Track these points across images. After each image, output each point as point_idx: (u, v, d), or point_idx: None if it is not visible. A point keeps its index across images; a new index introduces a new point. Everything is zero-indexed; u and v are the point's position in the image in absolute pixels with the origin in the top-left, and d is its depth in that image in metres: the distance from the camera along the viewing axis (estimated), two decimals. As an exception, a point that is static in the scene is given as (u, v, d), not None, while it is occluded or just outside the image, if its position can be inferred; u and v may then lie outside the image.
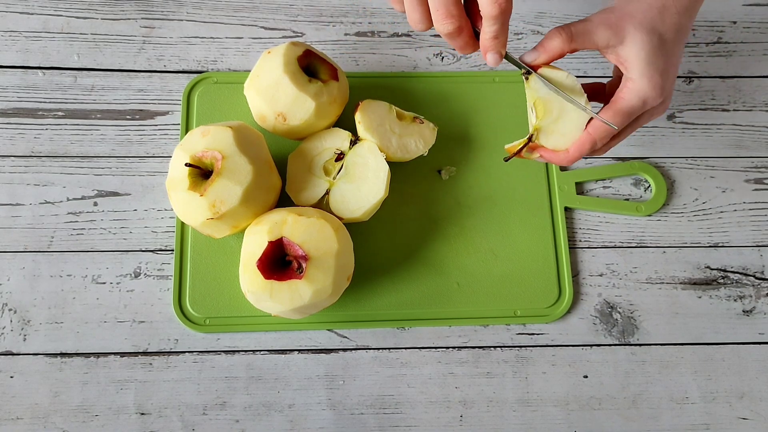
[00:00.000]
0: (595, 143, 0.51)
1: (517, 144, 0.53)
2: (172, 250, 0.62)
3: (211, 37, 0.70)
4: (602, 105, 0.51)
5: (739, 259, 0.66)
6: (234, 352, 0.60)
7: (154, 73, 0.68)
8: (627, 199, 0.67)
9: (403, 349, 0.61)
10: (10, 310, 0.59)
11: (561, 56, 0.50)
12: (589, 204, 0.66)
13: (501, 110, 0.68)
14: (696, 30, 0.73)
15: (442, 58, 0.70)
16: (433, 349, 0.61)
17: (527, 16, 0.73)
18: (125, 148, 0.65)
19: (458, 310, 0.62)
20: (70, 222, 0.62)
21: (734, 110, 0.71)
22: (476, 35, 0.48)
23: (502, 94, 0.69)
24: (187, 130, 0.65)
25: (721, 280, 0.65)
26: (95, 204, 0.63)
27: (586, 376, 0.61)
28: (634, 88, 0.49)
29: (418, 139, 0.62)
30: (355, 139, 0.61)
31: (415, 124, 0.63)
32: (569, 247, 0.64)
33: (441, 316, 0.62)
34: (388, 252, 0.63)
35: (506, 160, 0.55)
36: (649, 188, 0.67)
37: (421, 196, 0.65)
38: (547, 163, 0.67)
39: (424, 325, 0.62)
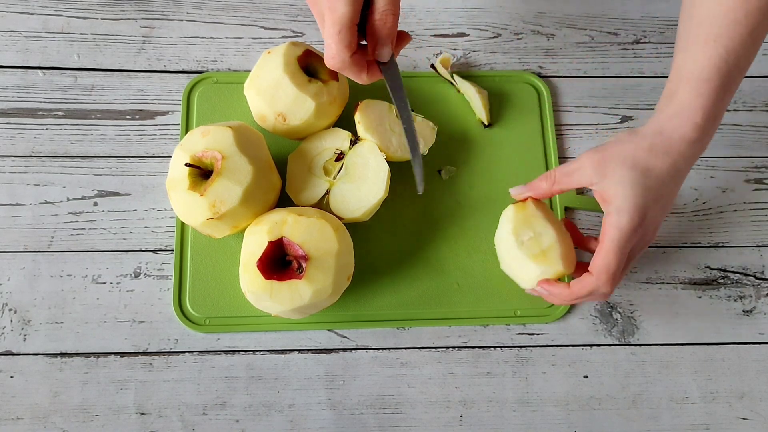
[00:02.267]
0: (597, 286, 0.52)
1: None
2: (172, 250, 0.62)
3: (211, 37, 0.70)
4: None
5: (739, 259, 0.66)
6: (234, 352, 0.60)
7: (154, 73, 0.68)
8: (627, 199, 0.67)
9: (403, 349, 0.61)
10: (10, 310, 0.59)
11: (547, 197, 0.56)
12: (589, 204, 0.66)
13: (501, 109, 0.68)
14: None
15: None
16: (433, 349, 0.61)
17: (527, 16, 0.73)
18: (125, 148, 0.65)
19: (458, 310, 0.62)
20: (70, 222, 0.62)
21: (734, 110, 0.71)
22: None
23: (502, 94, 0.69)
24: (187, 130, 0.65)
25: (721, 280, 0.65)
26: (95, 204, 0.63)
27: (586, 376, 0.61)
28: (612, 222, 0.50)
29: (418, 139, 0.62)
30: (355, 139, 0.61)
31: (415, 123, 0.63)
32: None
33: (441, 316, 0.62)
34: (388, 252, 0.63)
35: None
36: (649, 188, 0.67)
37: (421, 196, 0.65)
38: (547, 163, 0.67)
39: (424, 325, 0.62)
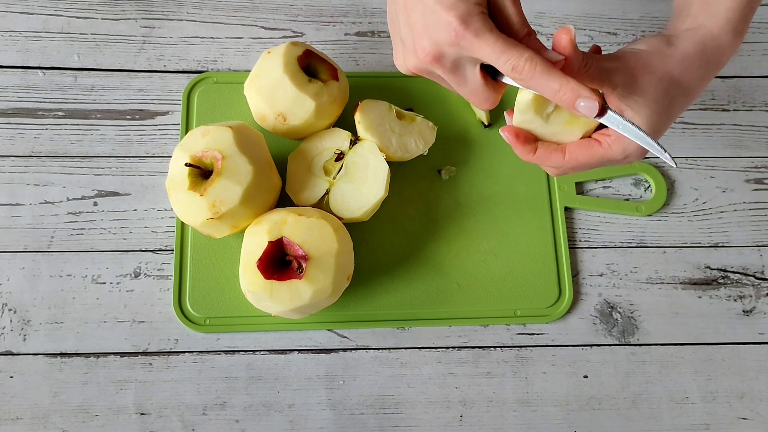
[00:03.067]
0: (560, 168, 0.48)
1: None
2: (172, 250, 0.62)
3: (211, 37, 0.70)
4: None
5: (739, 259, 0.66)
6: (234, 352, 0.60)
7: (154, 73, 0.68)
8: (627, 199, 0.67)
9: (403, 349, 0.61)
10: (10, 310, 0.59)
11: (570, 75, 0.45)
12: (589, 204, 0.66)
13: (501, 110, 0.68)
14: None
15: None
16: (433, 349, 0.61)
17: (527, 16, 0.73)
18: (125, 148, 0.65)
19: (458, 310, 0.62)
20: (70, 222, 0.62)
21: (734, 110, 0.71)
22: None
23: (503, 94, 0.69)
24: (187, 130, 0.65)
25: (721, 280, 0.65)
26: (95, 204, 0.63)
27: (586, 376, 0.61)
28: (624, 142, 0.46)
29: (418, 139, 0.62)
30: (355, 139, 0.61)
31: (415, 123, 0.63)
32: (569, 247, 0.64)
33: (441, 316, 0.62)
34: (388, 252, 0.63)
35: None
36: (650, 188, 0.67)
37: (421, 196, 0.65)
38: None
39: (424, 325, 0.62)
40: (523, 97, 0.48)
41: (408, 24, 0.44)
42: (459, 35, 0.42)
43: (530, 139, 0.48)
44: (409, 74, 0.47)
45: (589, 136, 0.48)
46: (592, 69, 0.45)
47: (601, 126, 0.47)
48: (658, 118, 0.45)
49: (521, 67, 0.42)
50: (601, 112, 0.43)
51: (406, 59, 0.46)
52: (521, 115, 0.48)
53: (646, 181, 0.67)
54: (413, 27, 0.43)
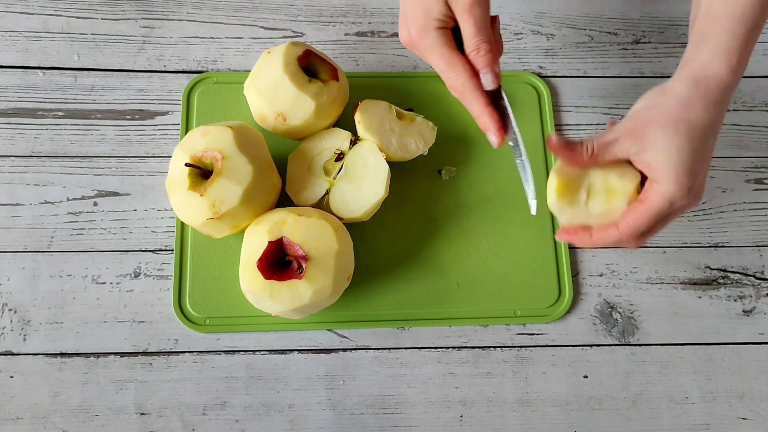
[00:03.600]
0: (621, 241, 0.50)
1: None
2: (172, 250, 0.62)
3: (211, 37, 0.70)
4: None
5: (739, 259, 0.66)
6: (234, 352, 0.60)
7: (154, 73, 0.68)
8: (627, 199, 0.67)
9: (403, 349, 0.61)
10: (10, 310, 0.59)
11: (585, 168, 0.51)
12: (589, 204, 0.66)
13: (501, 110, 0.68)
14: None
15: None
16: (433, 349, 0.61)
17: (527, 16, 0.73)
18: (125, 148, 0.65)
19: (458, 310, 0.62)
20: (70, 222, 0.62)
21: (734, 110, 0.71)
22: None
23: (502, 94, 0.69)
24: (187, 130, 0.65)
25: (721, 280, 0.65)
26: (95, 204, 0.63)
27: (586, 376, 0.61)
28: (660, 191, 0.47)
29: (418, 139, 0.62)
30: (355, 139, 0.61)
31: (415, 123, 0.63)
32: (569, 247, 0.64)
33: (441, 316, 0.62)
34: (388, 252, 0.63)
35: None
36: (649, 188, 0.67)
37: (421, 196, 0.65)
38: (547, 163, 0.67)
39: (424, 325, 0.62)
40: (552, 202, 0.52)
41: (401, 3, 0.51)
42: (413, 45, 0.50)
43: (584, 229, 0.52)
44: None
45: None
46: (599, 151, 0.49)
47: (643, 183, 0.49)
48: (683, 160, 0.46)
49: (454, 88, 0.50)
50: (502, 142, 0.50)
51: (400, 34, 0.52)
52: (561, 215, 0.52)
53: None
54: (401, 8, 0.50)
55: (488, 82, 0.49)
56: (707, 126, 0.47)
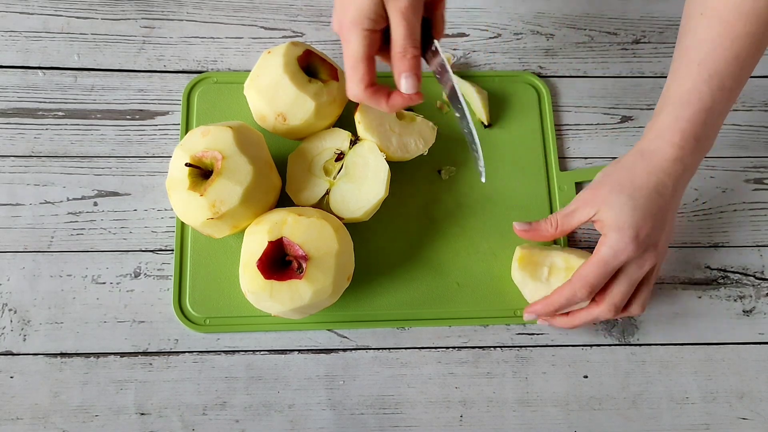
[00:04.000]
0: (576, 297, 0.54)
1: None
2: (172, 250, 0.62)
3: (211, 37, 0.70)
4: None
5: (739, 259, 0.66)
6: (234, 352, 0.60)
7: (154, 73, 0.68)
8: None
9: (403, 349, 0.61)
10: (10, 310, 0.59)
11: (550, 239, 0.59)
12: (589, 204, 0.66)
13: (501, 110, 0.68)
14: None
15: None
16: (433, 349, 0.61)
17: (526, 15, 0.73)
18: (125, 148, 0.65)
19: (458, 310, 0.62)
20: (70, 222, 0.62)
21: (734, 110, 0.71)
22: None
23: (502, 94, 0.69)
24: (187, 130, 0.65)
25: (721, 280, 0.65)
26: (95, 204, 0.63)
27: (586, 376, 0.61)
28: (605, 241, 0.53)
29: (418, 139, 0.62)
30: (355, 139, 0.61)
31: (415, 123, 0.63)
32: (569, 247, 0.64)
33: (441, 316, 0.62)
34: (388, 252, 0.63)
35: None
36: (649, 188, 0.67)
37: (421, 196, 0.65)
38: (547, 163, 0.67)
39: (424, 325, 0.62)
40: (515, 273, 0.60)
41: None
42: (339, 34, 0.50)
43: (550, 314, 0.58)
44: None
45: None
46: (562, 221, 0.57)
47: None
48: (626, 214, 0.52)
49: (347, 90, 0.51)
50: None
51: (332, 23, 0.52)
52: (524, 288, 0.60)
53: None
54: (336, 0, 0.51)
55: (410, 86, 0.50)
56: (651, 190, 0.52)
